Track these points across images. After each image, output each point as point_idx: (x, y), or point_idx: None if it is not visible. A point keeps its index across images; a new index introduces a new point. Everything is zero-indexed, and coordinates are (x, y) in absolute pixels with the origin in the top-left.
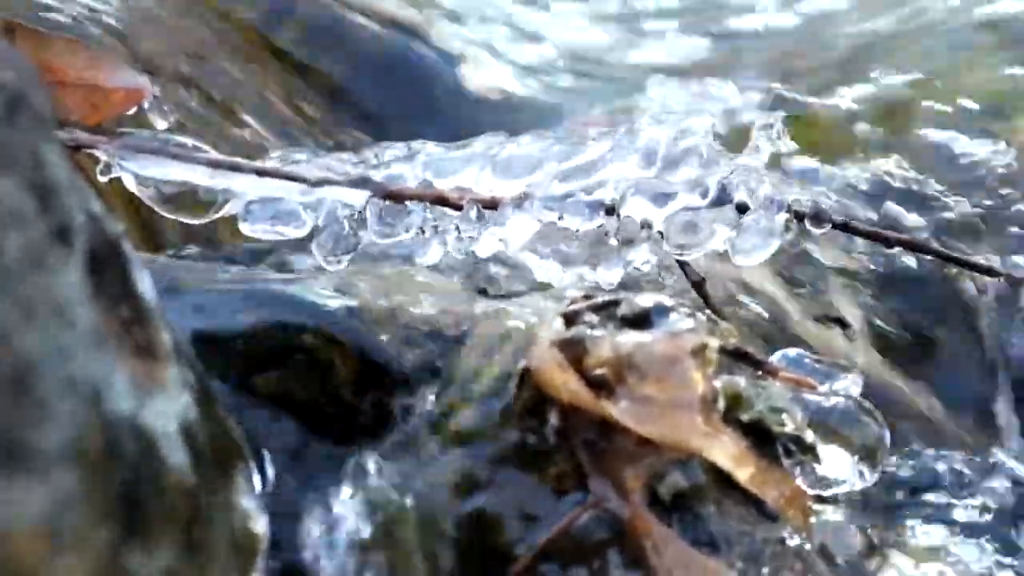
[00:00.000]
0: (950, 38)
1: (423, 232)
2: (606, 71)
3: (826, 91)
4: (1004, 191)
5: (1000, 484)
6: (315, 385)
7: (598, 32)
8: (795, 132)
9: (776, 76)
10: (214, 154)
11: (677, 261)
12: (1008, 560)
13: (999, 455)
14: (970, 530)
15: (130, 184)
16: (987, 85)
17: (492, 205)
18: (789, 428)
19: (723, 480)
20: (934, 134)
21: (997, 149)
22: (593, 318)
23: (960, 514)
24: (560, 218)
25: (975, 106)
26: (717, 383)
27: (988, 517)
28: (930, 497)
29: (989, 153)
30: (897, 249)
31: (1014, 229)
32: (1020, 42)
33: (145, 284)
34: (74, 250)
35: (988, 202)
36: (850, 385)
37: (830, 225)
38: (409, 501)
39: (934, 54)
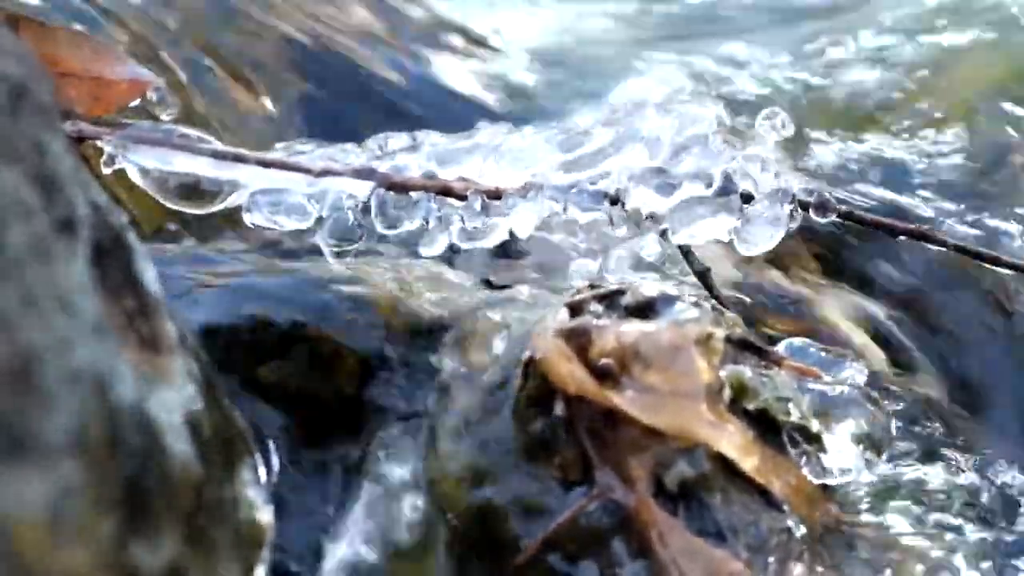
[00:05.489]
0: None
1: (427, 223)
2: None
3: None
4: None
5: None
6: (319, 376)
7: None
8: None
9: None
10: (218, 145)
11: (681, 251)
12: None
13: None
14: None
15: (134, 175)
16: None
17: (496, 196)
18: (795, 417)
19: (729, 469)
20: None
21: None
22: (598, 308)
23: (957, 503)
24: (564, 208)
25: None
26: (722, 372)
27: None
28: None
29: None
30: (902, 238)
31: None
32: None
33: (150, 276)
34: (78, 242)
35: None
36: (856, 374)
37: (835, 215)
38: (415, 492)
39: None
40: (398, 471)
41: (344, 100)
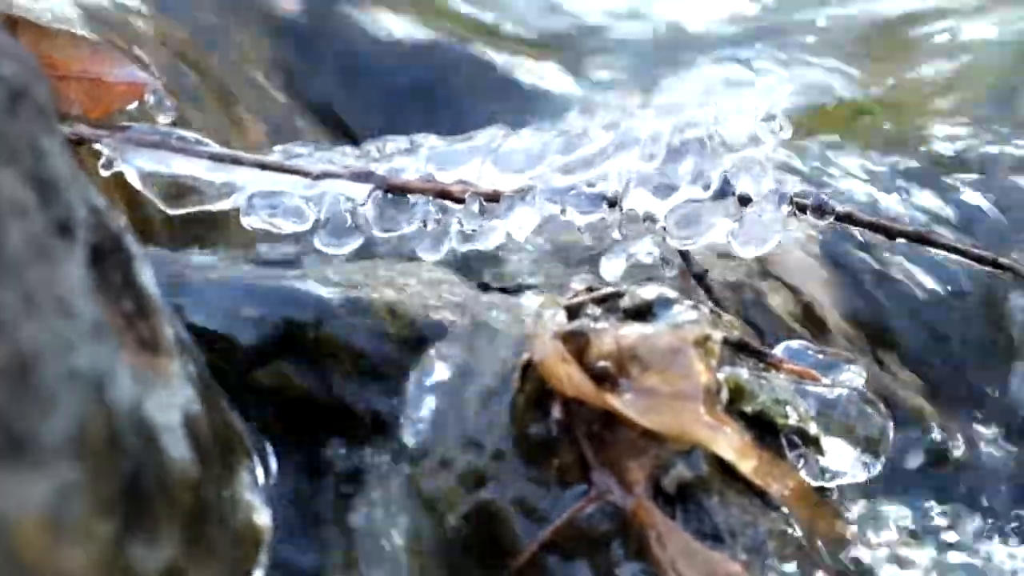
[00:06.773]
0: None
1: (425, 225)
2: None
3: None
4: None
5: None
6: (317, 379)
7: None
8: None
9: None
10: (216, 147)
11: (680, 253)
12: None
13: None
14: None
15: (132, 178)
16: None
17: (494, 198)
18: (792, 420)
19: (727, 471)
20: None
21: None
22: (596, 310)
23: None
24: (562, 211)
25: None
26: (720, 375)
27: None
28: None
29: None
30: (899, 240)
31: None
32: None
33: (148, 278)
34: (76, 243)
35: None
36: (854, 377)
37: (832, 216)
38: (413, 494)
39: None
40: (395, 474)
41: (345, 99)
